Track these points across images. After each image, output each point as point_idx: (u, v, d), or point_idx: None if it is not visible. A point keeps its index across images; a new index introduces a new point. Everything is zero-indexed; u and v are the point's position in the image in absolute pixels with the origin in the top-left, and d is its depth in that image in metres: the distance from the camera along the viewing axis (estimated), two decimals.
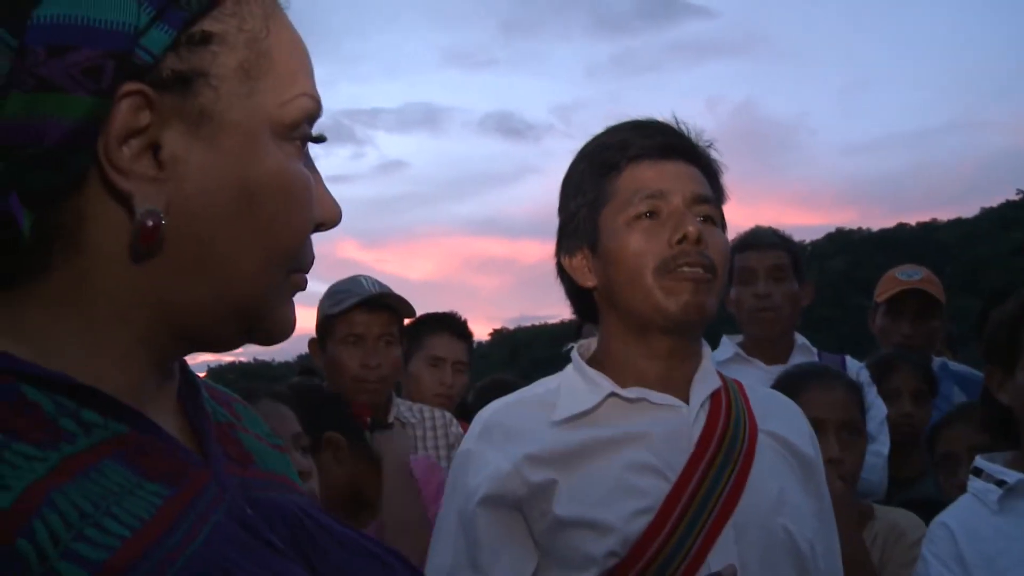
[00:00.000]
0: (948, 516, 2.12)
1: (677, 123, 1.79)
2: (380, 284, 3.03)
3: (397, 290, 3.03)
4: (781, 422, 1.78)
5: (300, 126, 0.82)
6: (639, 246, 1.67)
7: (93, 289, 0.76)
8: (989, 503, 2.06)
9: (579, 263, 1.77)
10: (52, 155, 0.72)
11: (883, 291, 3.78)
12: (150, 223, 0.73)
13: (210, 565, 0.71)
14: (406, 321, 3.16)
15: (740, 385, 1.80)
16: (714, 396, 1.71)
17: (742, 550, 1.59)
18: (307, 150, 0.85)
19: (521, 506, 1.64)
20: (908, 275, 3.76)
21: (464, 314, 3.78)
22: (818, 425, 2.37)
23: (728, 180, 1.84)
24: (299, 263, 0.84)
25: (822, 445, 2.31)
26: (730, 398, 1.73)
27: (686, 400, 1.69)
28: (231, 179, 0.77)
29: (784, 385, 2.61)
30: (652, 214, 1.68)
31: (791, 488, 1.70)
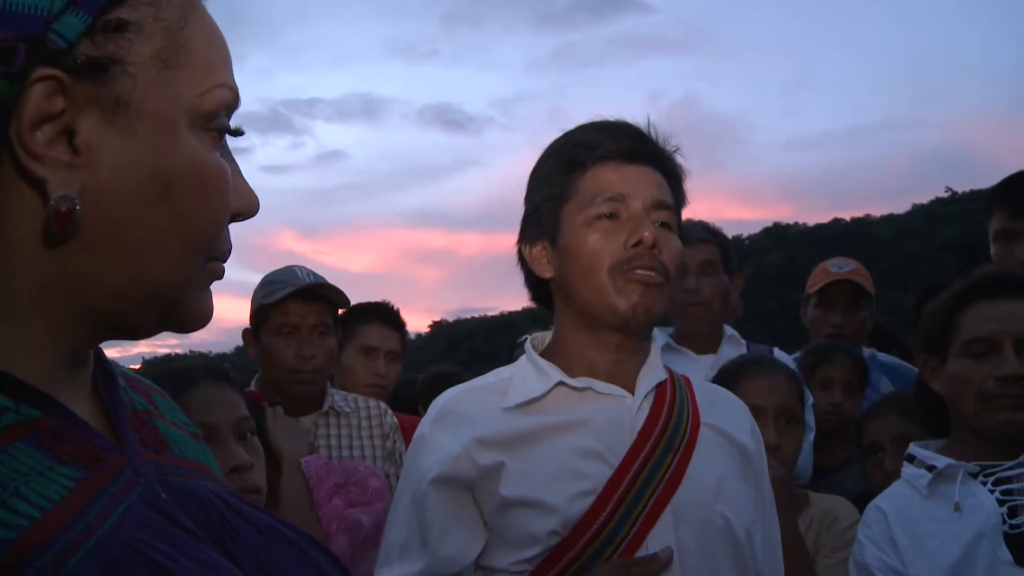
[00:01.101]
0: (882, 500, 2.21)
1: (648, 126, 1.84)
2: (315, 274, 3.02)
3: (336, 281, 3.02)
4: (724, 416, 1.85)
5: (218, 116, 0.83)
6: (596, 245, 1.73)
7: (7, 274, 0.76)
8: (919, 487, 2.14)
9: (538, 254, 1.83)
10: None
11: (814, 282, 3.86)
12: (64, 208, 0.74)
13: (122, 546, 0.72)
14: (340, 311, 3.15)
15: (688, 380, 1.88)
16: (659, 388, 1.79)
17: (680, 534, 1.66)
18: (225, 141, 0.86)
19: (471, 487, 1.71)
20: (839, 267, 3.84)
21: (403, 306, 3.78)
22: (757, 412, 2.42)
23: None
24: (216, 252, 0.85)
25: (761, 431, 2.37)
26: (675, 390, 1.80)
27: (632, 391, 1.76)
28: (147, 167, 0.78)
29: (727, 374, 2.67)
30: (612, 215, 1.74)
31: (730, 478, 1.77)
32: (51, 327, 0.79)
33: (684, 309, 3.41)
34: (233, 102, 0.84)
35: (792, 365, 3.25)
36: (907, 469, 2.21)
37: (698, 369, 3.29)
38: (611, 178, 1.76)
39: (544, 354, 1.83)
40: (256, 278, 3.10)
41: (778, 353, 3.44)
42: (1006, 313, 2.09)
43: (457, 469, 1.70)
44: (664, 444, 1.70)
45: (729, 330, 3.51)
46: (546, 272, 1.82)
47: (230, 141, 0.87)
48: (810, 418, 2.99)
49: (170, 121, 0.79)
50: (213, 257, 0.85)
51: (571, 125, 1.88)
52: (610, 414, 1.73)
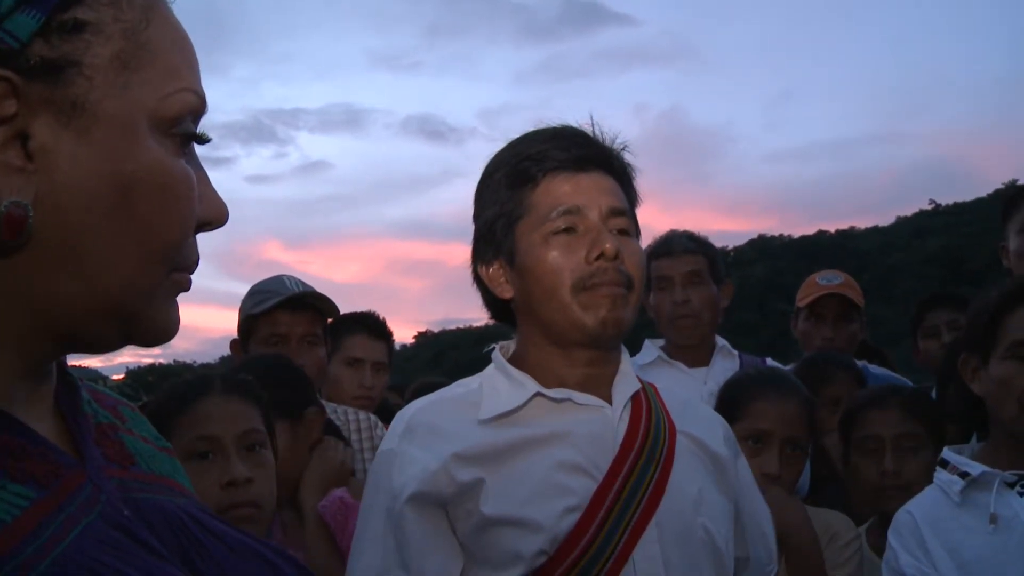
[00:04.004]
0: (912, 506, 2.15)
1: (593, 127, 1.79)
2: (303, 284, 3.00)
3: (321, 291, 2.99)
4: (696, 424, 1.80)
5: (182, 121, 0.79)
6: (556, 262, 1.68)
7: None
8: (952, 494, 2.08)
9: (496, 274, 1.77)
10: None
11: (804, 296, 3.86)
12: (16, 215, 0.71)
13: (77, 567, 0.69)
14: (329, 321, 3.12)
15: (655, 388, 1.82)
16: (634, 398, 1.74)
17: (665, 547, 1.62)
18: (192, 148, 0.82)
19: (446, 505, 1.63)
20: (828, 280, 3.85)
21: (389, 316, 3.72)
22: (764, 436, 2.41)
23: (654, 186, 1.86)
24: (181, 262, 0.81)
25: (764, 459, 2.36)
26: (649, 400, 1.75)
27: (608, 400, 1.71)
28: (104, 173, 0.74)
29: (738, 387, 2.60)
30: (569, 229, 1.69)
31: (708, 488, 1.73)
32: (6, 340, 0.75)
33: (674, 321, 3.39)
34: (199, 107, 0.81)
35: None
36: (940, 475, 2.14)
37: (691, 382, 3.28)
38: (563, 190, 1.71)
39: (512, 364, 1.77)
40: (241, 288, 3.08)
41: (771, 363, 3.41)
42: None
43: (434, 486, 1.62)
44: (646, 455, 1.66)
45: (721, 341, 3.49)
46: (506, 292, 1.77)
47: (207, 150, 0.85)
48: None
49: (130, 125, 0.76)
50: (178, 268, 0.81)
51: None
52: (590, 426, 1.67)
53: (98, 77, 0.74)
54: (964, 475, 2.08)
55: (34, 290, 0.74)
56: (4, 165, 0.71)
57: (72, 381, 0.87)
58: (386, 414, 3.59)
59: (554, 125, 1.80)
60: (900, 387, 3.03)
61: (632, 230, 1.76)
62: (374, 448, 3.03)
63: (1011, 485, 2.03)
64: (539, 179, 1.72)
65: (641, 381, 1.79)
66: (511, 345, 1.83)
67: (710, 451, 1.78)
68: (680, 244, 3.45)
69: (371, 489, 1.73)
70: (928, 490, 2.17)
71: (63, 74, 0.73)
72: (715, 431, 1.84)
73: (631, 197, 1.80)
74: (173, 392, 2.07)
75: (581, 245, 1.68)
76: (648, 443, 1.68)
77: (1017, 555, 1.95)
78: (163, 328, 0.82)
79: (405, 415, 1.75)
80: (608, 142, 1.79)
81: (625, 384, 1.75)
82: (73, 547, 0.70)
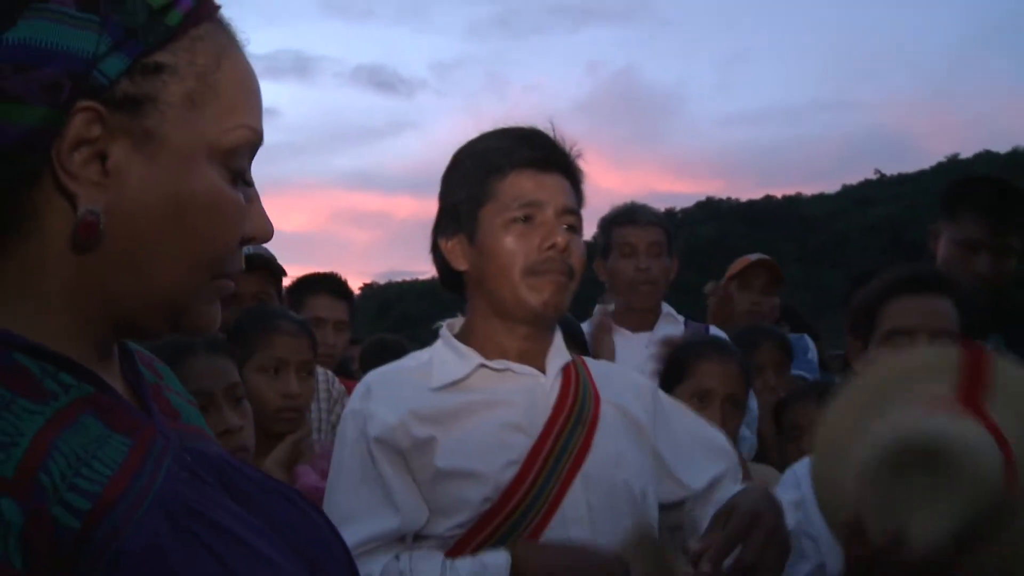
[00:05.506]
0: (798, 465, 2.39)
1: (554, 132, 2.00)
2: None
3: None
4: (618, 390, 2.04)
5: (237, 152, 0.93)
6: (512, 247, 1.90)
7: (45, 274, 0.87)
8: None
9: (454, 247, 1.98)
10: (7, 152, 0.83)
11: (735, 268, 4.22)
12: (89, 220, 0.85)
13: (172, 499, 0.85)
14: (286, 282, 3.21)
15: (583, 360, 2.08)
16: (565, 368, 1.99)
17: (589, 496, 1.87)
18: (248, 173, 0.96)
19: (406, 457, 1.84)
20: (756, 256, 4.26)
21: (335, 268, 3.80)
22: (707, 394, 2.72)
23: (604, 145, 2.13)
24: (223, 270, 0.95)
25: (707, 413, 2.61)
26: (577, 370, 2.00)
27: (543, 370, 1.96)
28: (165, 192, 0.88)
29: (685, 351, 2.88)
30: (527, 219, 1.91)
31: (628, 447, 1.96)
32: (84, 322, 0.89)
33: (634, 287, 3.59)
34: (255, 141, 0.95)
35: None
36: None
37: (635, 346, 3.45)
38: (527, 185, 1.91)
39: (459, 337, 1.98)
40: None
41: (713, 331, 3.63)
42: (926, 309, 2.24)
43: (394, 438, 1.84)
44: (574, 418, 1.91)
45: (666, 307, 3.68)
46: (461, 265, 1.97)
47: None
48: (753, 404, 3.16)
49: (191, 154, 0.89)
50: (221, 275, 0.95)
51: (509, 92, 2.04)
52: (527, 392, 1.92)
53: (170, 112, 0.88)
54: None
55: (100, 285, 0.88)
56: (85, 179, 0.85)
57: (126, 347, 1.01)
58: (344, 371, 3.70)
59: (523, 126, 2.01)
60: (816, 382, 3.49)
61: (578, 227, 1.97)
62: (331, 399, 3.14)
63: None
64: (507, 171, 1.92)
65: (572, 355, 2.02)
66: (456, 323, 2.04)
67: (630, 414, 2.00)
68: (645, 216, 3.72)
69: (340, 444, 1.94)
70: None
71: (141, 108, 0.86)
72: (637, 395, 2.06)
73: (580, 199, 2.01)
74: (159, 353, 2.17)
75: (536, 235, 1.89)
76: (576, 407, 1.92)
77: None
78: (205, 323, 0.97)
79: (367, 381, 1.97)
80: (567, 148, 1.99)
81: (557, 357, 1.98)
82: (164, 484, 0.85)
